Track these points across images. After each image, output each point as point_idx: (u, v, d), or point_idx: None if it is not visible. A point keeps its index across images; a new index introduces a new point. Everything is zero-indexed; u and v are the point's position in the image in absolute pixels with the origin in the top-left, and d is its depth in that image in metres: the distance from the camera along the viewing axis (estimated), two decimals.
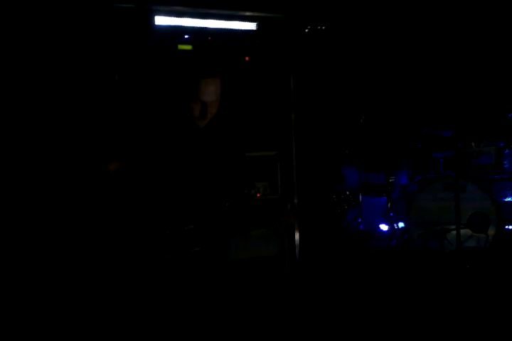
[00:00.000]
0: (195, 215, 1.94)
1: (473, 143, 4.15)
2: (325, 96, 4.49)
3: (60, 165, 2.46)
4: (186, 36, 2.62)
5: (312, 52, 3.69)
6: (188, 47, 2.66)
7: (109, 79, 2.48)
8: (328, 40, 4.01)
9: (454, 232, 3.48)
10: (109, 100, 2.50)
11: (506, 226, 4.01)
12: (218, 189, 2.05)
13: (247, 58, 2.95)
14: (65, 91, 2.44)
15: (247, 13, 2.95)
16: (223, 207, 1.98)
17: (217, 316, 1.97)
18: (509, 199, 4.17)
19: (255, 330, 2.57)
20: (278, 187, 3.05)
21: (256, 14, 2.98)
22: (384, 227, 4.36)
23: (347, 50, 4.63)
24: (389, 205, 4.27)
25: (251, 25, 2.92)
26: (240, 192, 2.11)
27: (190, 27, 2.67)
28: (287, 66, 3.12)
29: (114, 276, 1.87)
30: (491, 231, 3.86)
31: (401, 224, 4.28)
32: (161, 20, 2.54)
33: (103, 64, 2.45)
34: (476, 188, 3.89)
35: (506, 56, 4.56)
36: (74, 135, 2.49)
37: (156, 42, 2.53)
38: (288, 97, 3.19)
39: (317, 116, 4.40)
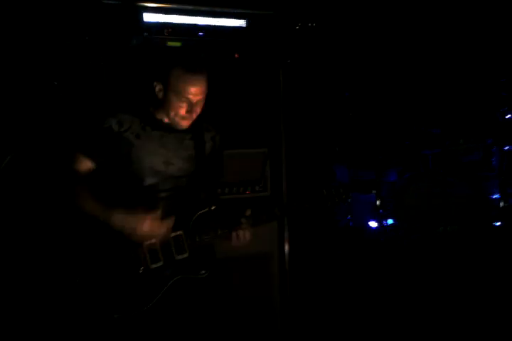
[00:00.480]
0: (180, 220, 1.93)
1: (461, 141, 4.18)
2: (315, 93, 4.49)
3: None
4: (176, 33, 2.62)
5: (302, 49, 3.69)
6: (178, 43, 2.65)
7: (97, 75, 2.46)
8: (319, 37, 4.01)
9: (443, 229, 3.51)
10: (99, 97, 2.48)
11: (494, 223, 4.06)
12: (197, 191, 2.03)
13: (236, 55, 2.94)
14: (52, 89, 2.42)
15: (238, 10, 2.94)
16: (206, 209, 1.96)
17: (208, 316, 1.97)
18: (497, 196, 4.22)
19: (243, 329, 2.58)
20: (268, 185, 3.05)
21: (246, 11, 2.97)
22: (373, 224, 4.38)
23: (337, 47, 4.63)
24: (378, 202, 4.29)
25: (241, 22, 2.92)
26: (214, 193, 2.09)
27: (180, 24, 2.66)
28: (277, 63, 3.12)
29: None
30: (479, 228, 3.91)
31: (390, 221, 4.31)
32: (149, 17, 2.52)
33: (91, 61, 2.43)
34: (464, 185, 3.93)
35: (497, 54, 4.60)
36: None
37: (144, 39, 2.52)
38: (277, 94, 3.19)
39: (307, 113, 4.40)
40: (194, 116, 1.93)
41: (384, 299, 3.23)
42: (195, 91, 1.87)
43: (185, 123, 1.94)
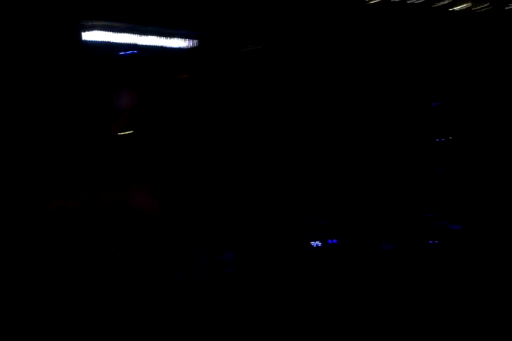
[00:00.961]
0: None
1: None
2: (264, 114, 4.52)
3: None
4: (121, 53, 2.58)
5: (251, 69, 3.73)
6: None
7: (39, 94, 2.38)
8: (266, 59, 4.06)
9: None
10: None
11: (430, 241, 4.21)
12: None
13: (185, 75, 2.94)
14: None
15: (185, 31, 2.95)
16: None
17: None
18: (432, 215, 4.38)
19: None
20: None
21: (194, 32, 2.99)
22: (318, 243, 4.41)
23: (286, 68, 4.68)
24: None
25: (189, 43, 2.92)
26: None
27: (125, 43, 2.63)
28: (225, 83, 3.14)
29: None
30: (415, 246, 4.03)
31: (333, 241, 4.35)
32: (94, 36, 2.48)
33: (34, 79, 2.35)
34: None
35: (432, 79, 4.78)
36: None
37: (87, 58, 2.46)
38: (227, 114, 3.21)
39: (256, 135, 4.41)
40: (119, 124, 1.90)
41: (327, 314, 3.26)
42: (121, 102, 1.85)
43: (114, 129, 1.92)
